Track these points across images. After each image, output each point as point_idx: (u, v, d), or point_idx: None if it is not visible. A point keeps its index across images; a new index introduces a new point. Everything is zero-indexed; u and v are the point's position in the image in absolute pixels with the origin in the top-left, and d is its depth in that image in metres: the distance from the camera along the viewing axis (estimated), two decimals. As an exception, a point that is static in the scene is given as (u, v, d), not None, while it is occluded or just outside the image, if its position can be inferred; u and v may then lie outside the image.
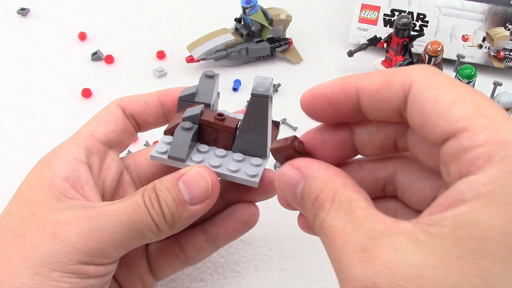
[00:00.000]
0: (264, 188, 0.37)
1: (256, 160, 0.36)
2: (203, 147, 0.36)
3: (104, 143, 0.37)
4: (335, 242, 0.24)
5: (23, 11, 0.71)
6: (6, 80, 0.62)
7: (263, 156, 0.36)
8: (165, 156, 0.35)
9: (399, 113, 0.25)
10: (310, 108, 0.27)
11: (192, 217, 0.33)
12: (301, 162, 0.27)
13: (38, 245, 0.30)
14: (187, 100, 0.38)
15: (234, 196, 0.39)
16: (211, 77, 0.38)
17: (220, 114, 0.36)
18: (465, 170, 0.22)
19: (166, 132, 0.36)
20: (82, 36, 0.67)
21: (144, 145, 0.54)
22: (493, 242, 0.20)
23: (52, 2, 0.73)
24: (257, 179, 0.35)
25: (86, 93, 0.60)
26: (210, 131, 0.36)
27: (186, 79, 0.62)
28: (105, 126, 0.37)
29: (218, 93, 0.40)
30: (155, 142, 0.54)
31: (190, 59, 0.62)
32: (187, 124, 0.35)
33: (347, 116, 0.27)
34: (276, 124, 0.39)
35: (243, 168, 0.35)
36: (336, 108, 0.27)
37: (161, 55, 0.65)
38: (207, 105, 0.37)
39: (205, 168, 0.34)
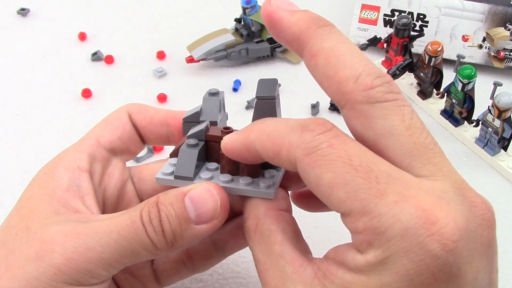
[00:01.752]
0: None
1: (270, 172, 0.33)
2: (212, 165, 0.34)
3: (109, 149, 0.36)
4: (261, 277, 0.27)
5: (23, 11, 0.71)
6: (6, 80, 0.62)
7: (278, 168, 0.33)
8: (172, 177, 0.33)
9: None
10: (231, 156, 0.31)
11: (196, 237, 0.31)
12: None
13: (24, 265, 0.29)
14: (192, 120, 0.35)
15: (242, 206, 0.36)
16: (214, 94, 0.36)
17: (227, 128, 0.33)
18: (357, 245, 0.26)
19: (172, 155, 0.35)
20: (82, 36, 0.67)
21: (149, 150, 0.54)
22: None
23: (52, 2, 0.73)
24: (272, 190, 0.31)
25: (86, 93, 0.60)
26: (217, 147, 0.33)
27: (186, 79, 0.62)
28: (111, 133, 0.36)
29: (226, 114, 0.37)
30: (157, 149, 0.54)
31: (190, 59, 0.62)
32: (192, 141, 0.33)
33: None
34: None
35: (257, 180, 0.32)
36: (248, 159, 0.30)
37: (161, 55, 0.65)
38: (213, 123, 0.35)
39: (215, 185, 0.31)
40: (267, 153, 0.28)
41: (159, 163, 0.38)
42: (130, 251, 0.30)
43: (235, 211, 0.37)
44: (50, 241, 0.29)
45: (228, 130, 0.33)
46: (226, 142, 0.30)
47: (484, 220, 0.26)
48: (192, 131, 0.34)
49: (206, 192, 0.31)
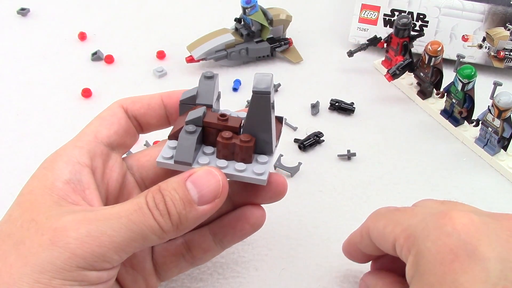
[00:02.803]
0: (272, 191, 0.38)
1: (263, 158, 0.36)
2: (209, 149, 0.36)
3: (107, 144, 0.37)
4: None
5: (23, 11, 0.71)
6: (6, 80, 0.62)
7: (269, 153, 0.36)
8: (171, 161, 0.35)
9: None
10: (347, 254, 0.41)
11: (200, 218, 0.33)
12: (367, 279, 0.40)
13: (38, 252, 0.30)
14: (188, 103, 0.38)
15: (241, 199, 0.39)
16: (210, 77, 0.38)
17: (223, 115, 0.36)
18: (402, 256, 0.33)
19: (171, 137, 0.36)
20: (82, 36, 0.67)
21: (144, 145, 0.54)
22: None
23: (52, 2, 0.73)
24: (265, 177, 0.35)
25: (86, 93, 0.60)
26: (214, 132, 0.36)
27: (186, 79, 0.62)
28: (108, 128, 0.37)
29: (219, 94, 0.40)
30: (155, 142, 0.54)
31: (190, 59, 0.62)
32: (191, 128, 0.35)
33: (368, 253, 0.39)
34: (279, 120, 0.39)
35: (250, 166, 0.35)
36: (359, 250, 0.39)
37: (161, 55, 0.65)
38: (209, 106, 0.37)
39: (214, 168, 0.34)
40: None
41: (155, 148, 0.39)
42: (139, 235, 0.31)
43: (234, 203, 0.39)
44: (63, 228, 0.30)
45: (224, 118, 0.36)
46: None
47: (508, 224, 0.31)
48: (190, 116, 0.36)
49: (207, 174, 0.33)
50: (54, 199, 0.32)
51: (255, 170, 0.35)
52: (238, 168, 0.35)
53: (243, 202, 0.39)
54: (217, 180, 0.33)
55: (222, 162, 0.35)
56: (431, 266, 0.29)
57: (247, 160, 0.35)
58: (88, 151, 0.35)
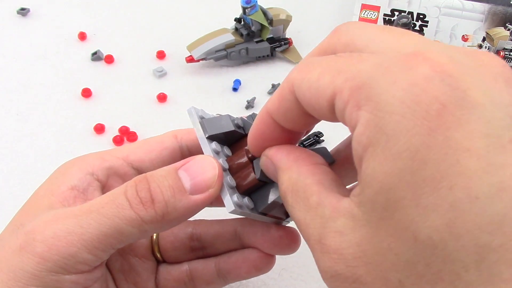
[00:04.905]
0: (278, 245, 0.34)
1: (247, 200, 0.31)
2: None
3: (136, 168, 0.34)
4: (304, 236, 0.24)
5: (23, 11, 0.71)
6: (6, 80, 0.62)
7: (256, 208, 0.32)
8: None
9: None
10: (254, 142, 0.29)
11: (191, 209, 0.29)
12: (270, 152, 0.28)
13: (10, 258, 0.28)
14: (222, 136, 0.33)
15: (251, 242, 0.36)
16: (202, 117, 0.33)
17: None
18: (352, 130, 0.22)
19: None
20: (82, 36, 0.67)
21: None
22: (393, 188, 0.20)
23: (52, 2, 0.73)
24: (228, 207, 0.30)
25: (86, 93, 0.60)
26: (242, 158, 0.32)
27: (186, 79, 0.62)
28: (146, 153, 0.34)
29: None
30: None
31: (190, 59, 0.62)
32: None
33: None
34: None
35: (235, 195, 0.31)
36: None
37: (161, 55, 0.65)
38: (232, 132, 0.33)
39: (210, 156, 0.30)
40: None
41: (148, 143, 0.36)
42: (113, 229, 0.28)
43: (243, 243, 0.36)
44: (31, 231, 0.29)
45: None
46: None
47: (492, 66, 0.22)
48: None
49: (203, 160, 0.29)
50: (51, 201, 0.31)
51: (233, 199, 0.30)
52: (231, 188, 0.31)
53: (253, 245, 0.36)
54: (214, 168, 0.29)
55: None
56: (406, 124, 0.20)
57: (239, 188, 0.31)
58: (109, 167, 0.33)
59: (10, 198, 0.49)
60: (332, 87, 0.22)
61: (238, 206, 0.30)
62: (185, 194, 0.29)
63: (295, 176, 0.25)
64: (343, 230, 0.22)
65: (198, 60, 0.62)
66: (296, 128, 0.27)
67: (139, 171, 0.34)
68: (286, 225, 0.35)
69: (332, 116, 0.24)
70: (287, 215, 0.34)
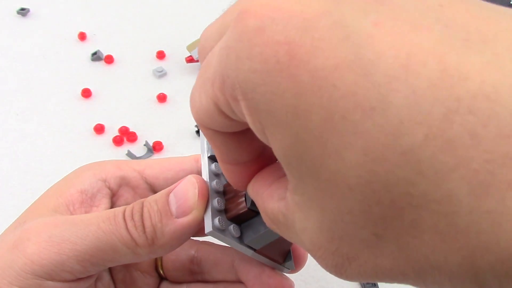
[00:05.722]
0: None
1: (234, 227, 0.29)
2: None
3: (149, 183, 0.34)
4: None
5: (23, 11, 0.71)
6: (6, 80, 0.62)
7: (247, 241, 0.30)
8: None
9: None
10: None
11: (178, 233, 0.28)
12: (247, 188, 0.26)
13: (3, 254, 0.28)
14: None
15: (244, 280, 0.34)
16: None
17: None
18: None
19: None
20: (82, 36, 0.67)
21: (144, 145, 0.54)
22: (301, 154, 0.18)
23: (52, 2, 0.73)
24: (207, 228, 0.28)
25: (86, 93, 0.60)
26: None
27: (186, 79, 0.62)
28: (163, 171, 0.34)
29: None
30: (156, 142, 0.54)
31: (190, 59, 0.62)
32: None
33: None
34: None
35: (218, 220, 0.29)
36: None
37: (161, 55, 0.65)
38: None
39: (197, 176, 0.29)
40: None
41: (168, 161, 0.35)
42: (108, 246, 0.28)
43: (239, 277, 0.34)
44: (28, 231, 0.28)
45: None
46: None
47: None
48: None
49: (187, 181, 0.29)
50: (56, 204, 0.31)
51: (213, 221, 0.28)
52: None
53: (244, 282, 0.34)
54: (194, 188, 0.28)
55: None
56: (272, 90, 0.17)
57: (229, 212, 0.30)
58: (122, 177, 0.33)
59: (10, 198, 0.49)
60: (210, 100, 0.21)
61: (218, 230, 0.28)
62: (171, 218, 0.28)
63: (262, 206, 0.24)
64: (304, 226, 0.20)
65: (198, 60, 0.62)
66: (253, 153, 0.24)
67: (152, 186, 0.34)
68: (283, 273, 0.33)
69: (237, 123, 0.21)
70: (284, 259, 0.33)
